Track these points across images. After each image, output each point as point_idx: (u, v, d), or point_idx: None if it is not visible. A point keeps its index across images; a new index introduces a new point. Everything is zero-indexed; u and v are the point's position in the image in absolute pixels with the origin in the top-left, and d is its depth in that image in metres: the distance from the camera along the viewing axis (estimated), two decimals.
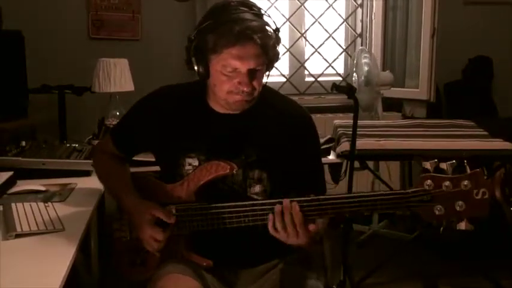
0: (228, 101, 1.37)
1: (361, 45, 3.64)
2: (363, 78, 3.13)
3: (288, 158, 1.40)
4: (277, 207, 1.24)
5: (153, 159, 1.58)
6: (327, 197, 1.25)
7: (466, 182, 1.11)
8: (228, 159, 1.37)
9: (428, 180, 1.13)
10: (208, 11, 1.37)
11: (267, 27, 1.33)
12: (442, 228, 1.15)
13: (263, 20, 1.34)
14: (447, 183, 1.12)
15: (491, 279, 2.59)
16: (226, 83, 1.33)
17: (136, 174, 1.56)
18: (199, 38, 1.33)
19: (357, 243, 3.16)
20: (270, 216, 1.25)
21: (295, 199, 1.24)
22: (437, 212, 1.13)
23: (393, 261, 2.69)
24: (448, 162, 1.13)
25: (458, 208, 1.12)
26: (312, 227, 1.24)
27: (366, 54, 3.18)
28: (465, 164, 1.13)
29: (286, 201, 1.24)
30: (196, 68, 1.36)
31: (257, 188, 1.41)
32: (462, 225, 1.13)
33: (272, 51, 1.34)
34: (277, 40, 1.36)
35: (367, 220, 3.34)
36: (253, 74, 1.33)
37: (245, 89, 1.33)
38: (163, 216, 1.35)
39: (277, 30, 1.36)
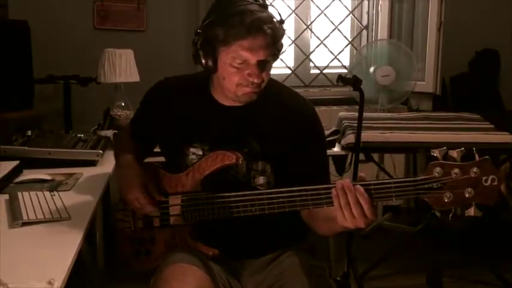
0: (237, 94, 1.36)
1: (367, 38, 3.62)
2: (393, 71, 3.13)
3: (291, 150, 1.40)
4: (338, 183, 1.18)
5: (159, 150, 1.59)
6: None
7: (475, 169, 1.11)
8: (231, 151, 1.37)
9: (438, 168, 1.13)
10: (214, 3, 1.36)
11: (274, 19, 1.33)
12: (451, 215, 1.14)
13: (269, 11, 1.34)
14: (456, 170, 1.12)
15: (496, 272, 2.59)
16: (236, 75, 1.33)
17: (141, 163, 1.57)
18: (207, 31, 1.32)
19: (361, 235, 3.16)
20: (334, 191, 1.18)
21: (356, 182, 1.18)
22: (446, 199, 1.13)
23: (397, 254, 2.70)
24: (457, 150, 1.13)
25: (467, 195, 1.12)
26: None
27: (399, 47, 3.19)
28: (474, 152, 1.13)
29: (346, 181, 1.17)
30: (204, 61, 1.35)
31: (261, 180, 1.41)
32: (471, 212, 1.12)
33: (280, 42, 1.35)
34: (283, 32, 1.36)
35: None
36: (263, 65, 1.33)
37: (255, 80, 1.33)
38: (153, 189, 1.41)
39: (282, 22, 1.36)
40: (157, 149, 1.60)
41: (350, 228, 1.19)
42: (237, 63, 1.31)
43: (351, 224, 1.18)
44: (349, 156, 2.45)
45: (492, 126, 2.58)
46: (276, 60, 1.40)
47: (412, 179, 1.15)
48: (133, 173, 1.45)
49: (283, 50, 1.40)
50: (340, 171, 2.48)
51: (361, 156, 2.48)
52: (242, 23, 1.27)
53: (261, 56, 1.31)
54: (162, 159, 1.57)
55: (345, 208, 1.16)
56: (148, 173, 1.47)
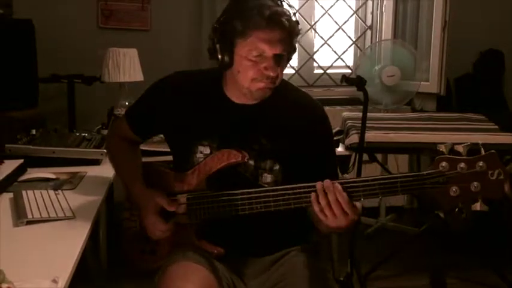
0: (251, 89, 1.36)
1: (371, 38, 3.62)
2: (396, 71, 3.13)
3: (301, 149, 1.40)
4: (319, 184, 1.21)
5: (165, 150, 1.59)
6: (348, 180, 1.23)
7: (481, 163, 1.11)
8: (240, 149, 1.37)
9: (444, 162, 1.13)
10: (230, 2, 1.36)
11: (291, 15, 1.33)
12: (456, 210, 1.14)
13: (285, 8, 1.34)
14: (462, 164, 1.12)
15: (498, 273, 2.58)
16: (251, 69, 1.32)
17: (146, 163, 1.57)
18: (224, 25, 1.32)
19: (365, 236, 3.16)
20: (313, 195, 1.21)
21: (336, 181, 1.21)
22: (452, 194, 1.13)
23: (400, 254, 2.69)
24: (463, 145, 1.13)
25: (473, 189, 1.11)
26: (358, 204, 1.22)
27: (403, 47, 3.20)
28: (480, 146, 1.12)
29: (327, 181, 1.21)
30: (220, 56, 1.35)
31: (268, 178, 1.41)
32: (477, 206, 1.12)
33: (295, 39, 1.35)
34: (298, 30, 1.36)
35: (375, 213, 3.33)
36: (278, 60, 1.32)
37: (271, 74, 1.32)
38: (165, 204, 1.39)
39: (296, 21, 1.36)
40: (162, 149, 1.60)
41: (334, 228, 1.22)
42: (253, 55, 1.31)
43: (333, 223, 1.20)
44: (353, 157, 2.45)
45: (496, 126, 2.58)
46: (289, 61, 1.39)
47: (418, 173, 1.15)
48: (145, 194, 1.43)
49: (296, 49, 1.39)
50: (344, 171, 2.47)
51: (365, 157, 2.49)
52: (261, 14, 1.27)
53: (278, 50, 1.30)
54: (164, 158, 1.56)
55: (326, 208, 1.20)
56: (152, 176, 1.47)
